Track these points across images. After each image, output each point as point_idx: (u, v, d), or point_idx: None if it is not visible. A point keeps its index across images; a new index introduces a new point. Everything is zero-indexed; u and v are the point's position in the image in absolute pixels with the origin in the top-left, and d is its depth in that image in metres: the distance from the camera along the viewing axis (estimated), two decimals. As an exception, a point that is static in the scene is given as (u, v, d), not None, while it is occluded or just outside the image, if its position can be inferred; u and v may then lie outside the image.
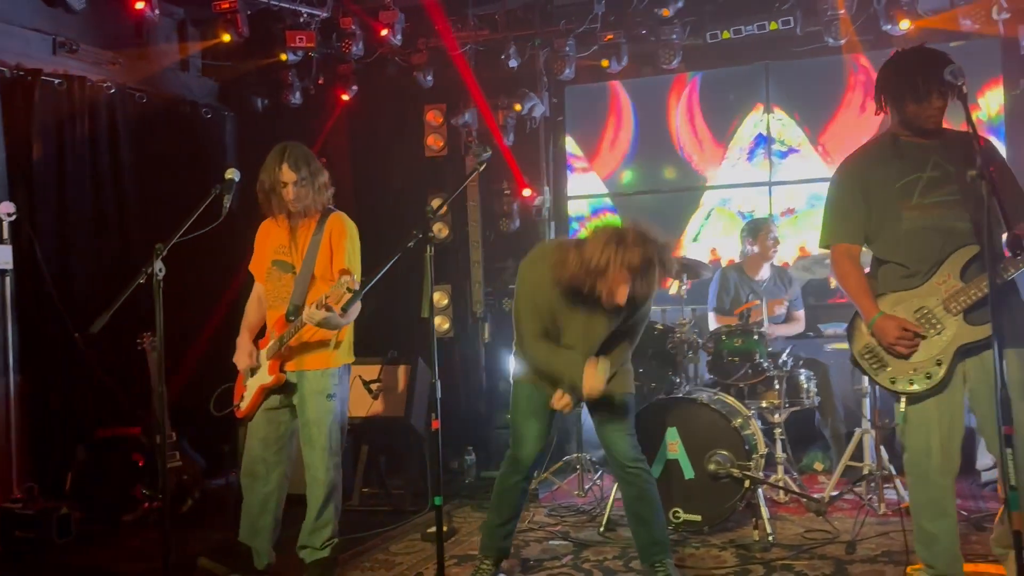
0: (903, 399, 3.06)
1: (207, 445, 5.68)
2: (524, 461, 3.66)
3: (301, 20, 6.29)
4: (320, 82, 6.83)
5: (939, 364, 3.02)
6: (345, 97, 6.75)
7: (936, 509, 3.13)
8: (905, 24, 5.52)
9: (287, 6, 6.23)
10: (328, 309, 3.52)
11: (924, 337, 3.03)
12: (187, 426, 5.35)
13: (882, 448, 4.64)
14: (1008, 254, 2.40)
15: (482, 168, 3.24)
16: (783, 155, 6.56)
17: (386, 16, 6.26)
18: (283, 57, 6.46)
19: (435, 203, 6.18)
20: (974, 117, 2.83)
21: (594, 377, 3.29)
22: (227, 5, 5.91)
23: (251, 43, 6.38)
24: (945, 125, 3.16)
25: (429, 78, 6.56)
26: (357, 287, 3.29)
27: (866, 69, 6.26)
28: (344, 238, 3.88)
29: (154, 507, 5.11)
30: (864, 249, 3.28)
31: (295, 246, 3.88)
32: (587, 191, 7.08)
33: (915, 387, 3.06)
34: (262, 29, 6.38)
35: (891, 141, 3.15)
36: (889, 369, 3.13)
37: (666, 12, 5.81)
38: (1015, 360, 2.96)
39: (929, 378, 3.04)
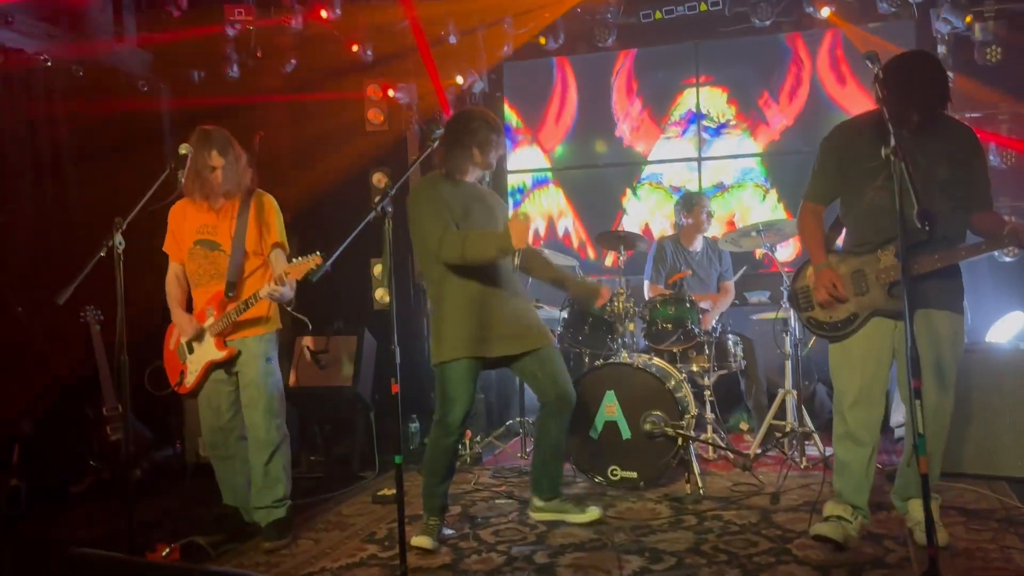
0: (814, 338, 3.70)
1: (153, 417, 5.72)
2: (454, 424, 3.85)
3: (240, -7, 6.30)
4: (259, 55, 6.80)
5: (853, 319, 3.50)
6: (284, 71, 6.76)
7: (850, 440, 3.53)
8: (825, 10, 5.82)
9: (225, -21, 6.23)
10: (284, 284, 3.70)
11: (846, 300, 3.48)
12: (131, 398, 5.37)
13: (803, 408, 4.98)
14: (920, 225, 2.71)
15: (435, 145, 3.39)
16: (715, 132, 6.83)
17: (325, -11, 6.30)
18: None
19: (378, 177, 6.27)
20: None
21: (519, 226, 3.55)
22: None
23: (188, 16, 6.34)
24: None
25: (369, 52, 6.61)
26: (321, 260, 3.43)
27: (796, 52, 6.55)
28: (273, 213, 4.07)
29: (102, 478, 5.18)
30: None
31: (221, 226, 3.99)
32: (529, 164, 7.30)
33: (825, 328, 3.56)
34: (200, 2, 6.36)
35: (879, 123, 3.28)
36: (813, 311, 3.62)
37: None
38: (946, 320, 3.42)
39: (839, 327, 3.51)
